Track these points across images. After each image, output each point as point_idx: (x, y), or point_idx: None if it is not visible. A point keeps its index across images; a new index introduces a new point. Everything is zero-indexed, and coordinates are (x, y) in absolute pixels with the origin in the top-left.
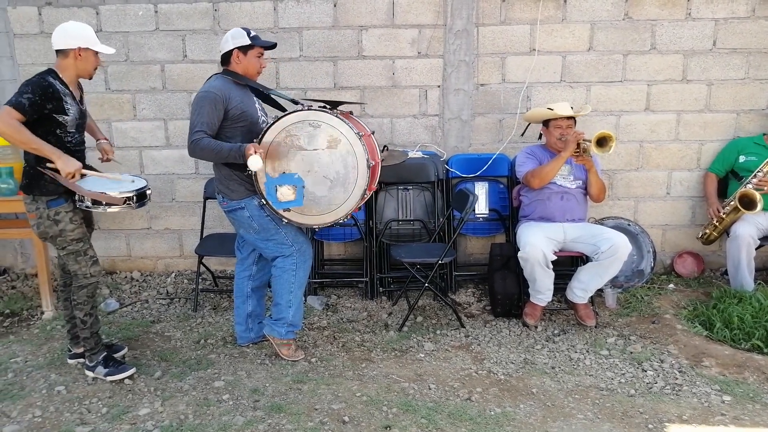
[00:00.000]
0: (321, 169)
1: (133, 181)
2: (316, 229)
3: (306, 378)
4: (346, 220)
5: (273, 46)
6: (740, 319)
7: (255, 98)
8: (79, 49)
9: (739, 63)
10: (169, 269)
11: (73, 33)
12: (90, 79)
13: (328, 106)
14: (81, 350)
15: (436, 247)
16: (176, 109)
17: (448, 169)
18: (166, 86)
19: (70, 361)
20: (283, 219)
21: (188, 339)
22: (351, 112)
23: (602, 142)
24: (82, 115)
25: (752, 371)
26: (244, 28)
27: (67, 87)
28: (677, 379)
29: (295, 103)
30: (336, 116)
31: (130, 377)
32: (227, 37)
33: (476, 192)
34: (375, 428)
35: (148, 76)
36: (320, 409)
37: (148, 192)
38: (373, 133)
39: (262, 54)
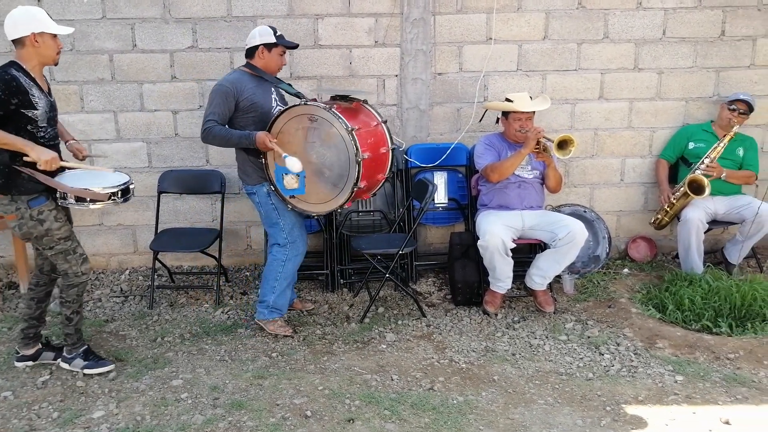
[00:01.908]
0: (318, 160)
1: (114, 171)
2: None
3: (267, 373)
4: (343, 209)
5: (295, 46)
6: (691, 300)
7: (273, 89)
8: (34, 35)
9: (687, 52)
10: (123, 266)
11: (24, 19)
12: (56, 64)
13: (320, 102)
14: (30, 352)
15: (397, 237)
16: (127, 101)
17: (407, 159)
18: (115, 77)
19: (17, 364)
20: (289, 205)
21: (144, 337)
22: (365, 101)
23: (563, 144)
24: (52, 107)
25: (702, 351)
26: (271, 27)
27: (32, 79)
28: (633, 361)
29: (299, 97)
30: (329, 111)
31: (107, 374)
32: (254, 33)
33: (435, 181)
34: (338, 421)
35: (96, 66)
36: (282, 405)
37: (132, 186)
38: (384, 122)
39: (284, 52)
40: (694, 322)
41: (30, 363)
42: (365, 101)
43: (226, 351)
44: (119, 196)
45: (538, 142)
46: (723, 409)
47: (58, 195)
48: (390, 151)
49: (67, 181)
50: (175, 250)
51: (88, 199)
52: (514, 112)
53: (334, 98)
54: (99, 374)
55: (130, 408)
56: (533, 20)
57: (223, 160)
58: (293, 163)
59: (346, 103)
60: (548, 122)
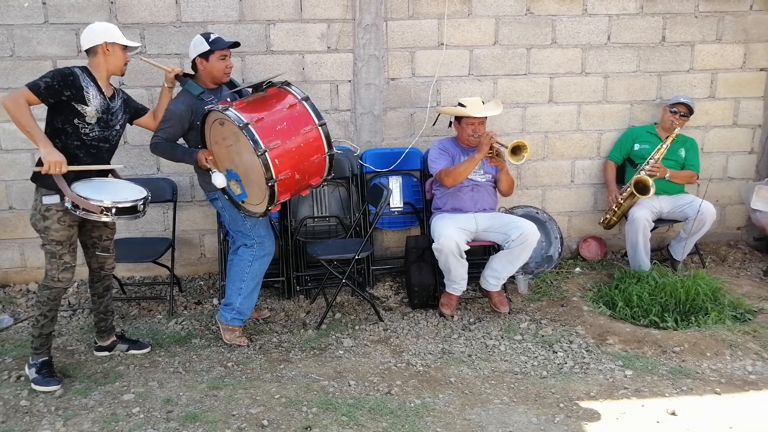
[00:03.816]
0: (242, 161)
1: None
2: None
3: (222, 383)
4: (280, 201)
5: (233, 45)
6: (639, 297)
7: (229, 99)
8: (106, 44)
9: (631, 57)
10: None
11: (99, 29)
12: (122, 75)
13: (217, 104)
14: (106, 343)
15: (353, 242)
16: None
17: (362, 164)
18: None
19: (96, 354)
20: (242, 211)
21: (93, 352)
22: (287, 83)
23: (516, 150)
24: (109, 111)
25: (650, 345)
26: (203, 34)
27: (95, 81)
28: (585, 358)
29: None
30: (224, 111)
31: (53, 393)
32: (190, 46)
33: (390, 186)
34: (295, 430)
35: (38, 72)
36: (238, 415)
37: (141, 206)
38: (306, 98)
39: (226, 56)
40: (643, 317)
41: (106, 353)
42: (285, 83)
43: (180, 362)
44: (113, 212)
45: (491, 147)
46: (670, 401)
47: (66, 198)
48: (318, 128)
49: (80, 187)
50: (126, 261)
51: (81, 207)
52: (467, 117)
53: (254, 91)
54: (44, 392)
55: (78, 426)
56: (484, 26)
57: (175, 168)
58: (217, 178)
59: (260, 93)
60: (500, 126)
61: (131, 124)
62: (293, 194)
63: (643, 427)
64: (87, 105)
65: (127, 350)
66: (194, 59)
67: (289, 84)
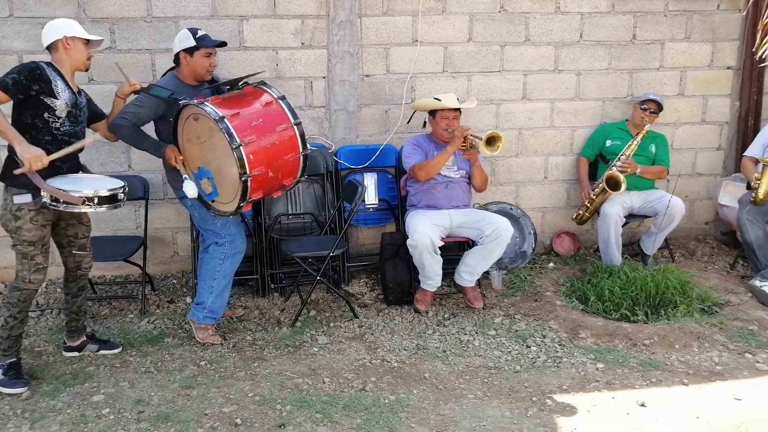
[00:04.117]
0: (214, 158)
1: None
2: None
3: (195, 383)
4: (252, 200)
5: (220, 44)
6: (611, 291)
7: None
8: (66, 38)
9: (603, 54)
10: None
11: (57, 25)
12: (86, 70)
13: (193, 99)
14: (76, 343)
15: (328, 239)
16: None
17: (336, 161)
18: None
19: (65, 354)
20: (212, 211)
21: (62, 353)
22: (263, 82)
23: (491, 141)
24: (77, 105)
25: (621, 338)
26: (191, 29)
27: (61, 75)
28: (557, 352)
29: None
30: (199, 105)
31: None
32: (175, 39)
33: (365, 183)
34: (269, 428)
35: (4, 67)
36: (211, 414)
37: (120, 195)
38: (283, 97)
39: (211, 54)
40: (614, 311)
41: (76, 353)
42: (261, 82)
43: (152, 362)
44: (95, 202)
45: (465, 140)
46: (639, 393)
47: (42, 193)
48: (294, 127)
49: (57, 182)
50: (96, 260)
51: (62, 201)
52: (442, 110)
53: (230, 89)
54: (10, 395)
55: (46, 428)
56: (458, 23)
57: (146, 165)
58: (188, 188)
59: (236, 91)
60: (474, 122)
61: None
62: (266, 193)
63: (613, 419)
64: (56, 98)
65: (98, 350)
66: (178, 53)
67: (265, 83)
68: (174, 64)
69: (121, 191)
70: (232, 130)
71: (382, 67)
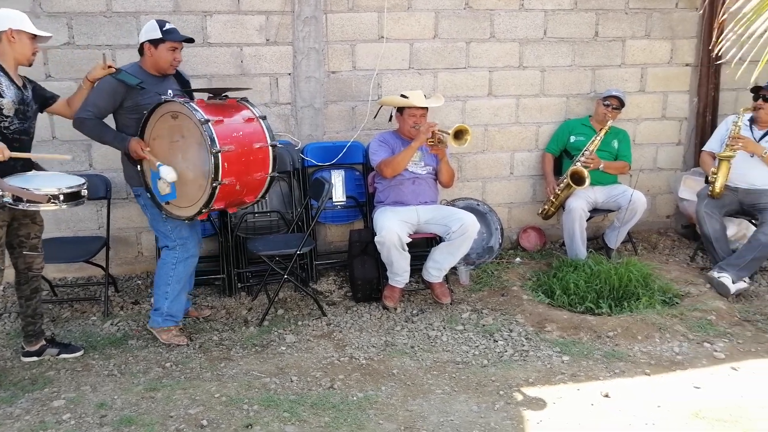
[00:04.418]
0: (184, 159)
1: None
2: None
3: (160, 385)
4: (210, 210)
5: (187, 40)
6: (576, 285)
7: (172, 91)
8: (11, 30)
9: (566, 51)
10: None
11: (2, 16)
12: (29, 65)
13: (179, 98)
14: (34, 348)
15: (295, 237)
16: None
17: (303, 158)
18: None
19: (23, 359)
20: (163, 213)
21: (21, 358)
22: (245, 99)
23: (459, 134)
24: (24, 102)
25: (586, 331)
26: (159, 21)
27: (5, 72)
28: (524, 345)
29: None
30: (185, 104)
31: None
32: (142, 29)
33: (333, 180)
34: (235, 428)
35: None
36: (176, 416)
37: (84, 191)
38: (263, 117)
39: (176, 48)
40: (579, 304)
41: (35, 358)
42: (244, 98)
43: (115, 365)
44: (60, 199)
45: (432, 135)
46: (603, 384)
47: (1, 193)
48: (269, 147)
49: (15, 180)
50: (57, 262)
51: (25, 200)
52: (409, 107)
53: (211, 97)
54: None
55: None
56: (423, 19)
57: (108, 163)
58: (167, 172)
59: (219, 100)
60: (441, 119)
61: (41, 112)
62: (226, 205)
63: (578, 411)
64: (2, 97)
65: (58, 354)
66: (143, 43)
67: (247, 100)
68: (140, 55)
69: (84, 188)
70: (215, 135)
71: (349, 64)
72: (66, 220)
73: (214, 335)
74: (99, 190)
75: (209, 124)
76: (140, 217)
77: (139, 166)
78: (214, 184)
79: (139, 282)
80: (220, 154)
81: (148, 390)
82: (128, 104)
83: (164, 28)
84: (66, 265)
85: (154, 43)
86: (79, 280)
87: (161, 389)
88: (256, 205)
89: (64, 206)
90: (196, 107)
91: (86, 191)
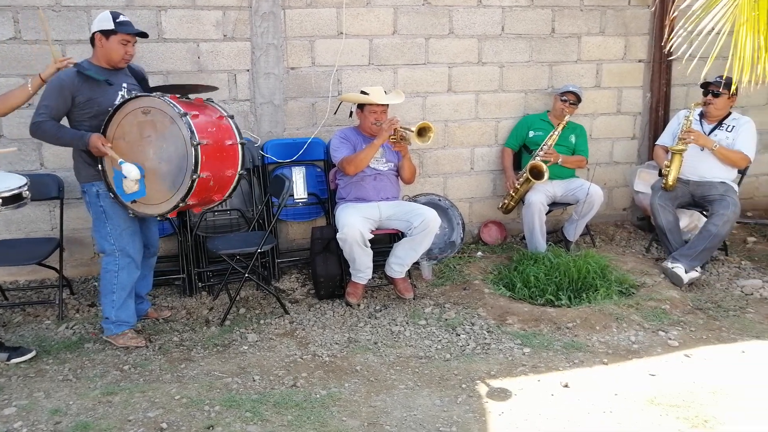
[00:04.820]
0: (157, 154)
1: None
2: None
3: (117, 388)
4: (188, 209)
5: (140, 34)
6: (536, 277)
7: (127, 84)
8: None
9: (524, 47)
10: None
11: None
12: None
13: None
14: None
15: (256, 235)
16: None
17: (263, 155)
18: None
19: None
20: (130, 212)
21: None
22: (210, 99)
23: (422, 132)
24: None
25: (546, 323)
26: (113, 12)
27: None
28: (486, 338)
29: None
30: (160, 98)
31: None
32: (95, 19)
33: (294, 177)
34: (196, 430)
35: None
36: (134, 420)
37: (26, 193)
38: (231, 116)
39: (129, 41)
40: (539, 297)
41: None
42: (209, 99)
43: (71, 369)
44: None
45: (395, 132)
46: (563, 374)
47: None
48: (238, 145)
49: None
50: (7, 264)
51: None
52: (370, 104)
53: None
54: None
55: None
56: (382, 15)
57: (61, 162)
58: (130, 170)
59: (187, 99)
60: (401, 115)
61: None
62: (198, 202)
63: (539, 401)
64: None
65: (8, 360)
66: (94, 33)
67: (213, 101)
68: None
69: (25, 189)
70: (194, 128)
71: (308, 60)
72: (17, 221)
73: (175, 336)
74: (51, 189)
75: (188, 116)
76: None
77: (100, 165)
78: (194, 177)
79: (96, 284)
80: (199, 147)
81: (105, 394)
82: (81, 99)
83: (117, 20)
84: (17, 268)
85: (106, 34)
86: (32, 284)
87: (119, 393)
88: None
89: (3, 210)
90: (172, 101)
91: (29, 192)
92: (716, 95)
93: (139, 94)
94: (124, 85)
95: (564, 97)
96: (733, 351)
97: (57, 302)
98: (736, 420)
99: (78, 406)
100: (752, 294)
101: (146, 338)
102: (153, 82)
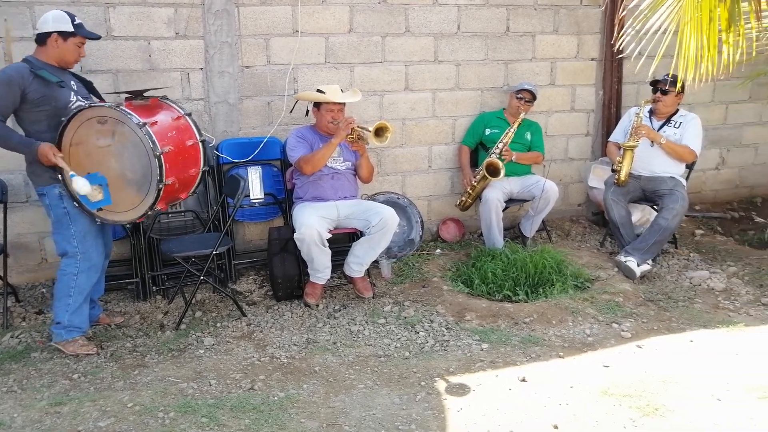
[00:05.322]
0: (119, 163)
1: None
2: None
3: (66, 398)
4: (155, 212)
5: (98, 38)
6: (493, 273)
7: (74, 82)
8: None
9: (479, 45)
10: None
11: None
12: None
13: (106, 102)
14: None
15: (211, 237)
16: None
17: (218, 155)
18: None
19: None
20: (97, 219)
21: None
22: (165, 97)
23: (380, 132)
24: None
25: (504, 318)
26: (68, 13)
27: None
28: (445, 335)
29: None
30: (116, 109)
31: None
32: (47, 17)
33: (250, 177)
34: None
35: None
36: (84, 430)
37: None
38: (189, 114)
39: (83, 44)
40: (497, 292)
41: None
42: (164, 97)
43: (16, 380)
44: None
45: (352, 131)
46: (521, 369)
47: None
48: (200, 143)
49: None
50: None
51: None
52: (326, 103)
53: (128, 98)
54: None
55: None
56: (338, 13)
57: (3, 164)
58: (81, 185)
59: (141, 101)
60: (359, 114)
61: None
62: (166, 204)
63: (497, 396)
64: None
65: None
66: (49, 33)
67: (168, 98)
68: (37, 45)
69: None
70: (155, 137)
71: (263, 58)
72: None
73: (128, 342)
74: None
75: (147, 126)
76: (43, 221)
77: (60, 176)
78: (160, 186)
79: (44, 290)
80: (162, 156)
81: (53, 405)
82: (33, 96)
83: (75, 22)
84: None
85: (64, 35)
86: None
87: (68, 403)
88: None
89: None
90: (129, 111)
91: None
92: (664, 92)
93: (93, 103)
94: (72, 83)
95: (519, 95)
96: (682, 340)
97: (1, 310)
98: (684, 407)
99: (23, 419)
100: (700, 285)
101: (97, 345)
102: (103, 81)
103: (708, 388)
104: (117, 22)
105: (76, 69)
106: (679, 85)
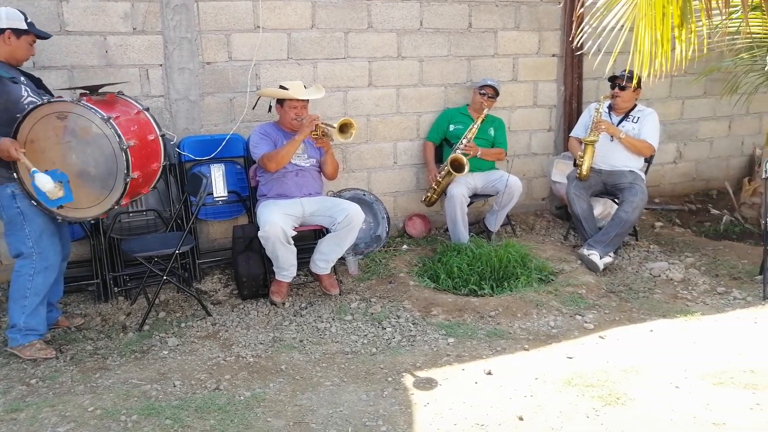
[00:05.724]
0: (80, 159)
1: None
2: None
3: (23, 404)
4: (119, 207)
5: (49, 37)
6: (459, 268)
7: (24, 79)
8: None
9: (442, 42)
10: None
11: None
12: None
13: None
14: None
15: (173, 236)
16: None
17: (180, 153)
18: None
19: None
20: (58, 217)
21: None
22: (120, 92)
23: (344, 128)
24: None
25: (470, 312)
26: (21, 11)
27: None
28: (411, 331)
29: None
30: (78, 104)
31: None
32: (0, 14)
33: (212, 174)
34: None
35: None
36: None
37: None
38: (146, 109)
39: (35, 42)
40: (463, 287)
41: None
42: (120, 92)
43: None
44: None
45: (316, 128)
46: (487, 362)
47: None
48: (159, 137)
49: None
50: None
51: None
52: (290, 99)
53: (83, 94)
54: None
55: None
56: (300, 9)
57: None
58: (44, 182)
59: (98, 96)
60: (322, 110)
61: None
62: (129, 199)
63: (463, 390)
64: None
65: None
66: (2, 30)
67: (123, 94)
68: None
69: None
70: (120, 132)
71: (224, 54)
72: None
73: (88, 344)
74: None
75: (111, 120)
76: None
77: (16, 174)
78: (127, 180)
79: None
80: (128, 150)
81: (9, 411)
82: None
83: (28, 21)
84: None
85: (17, 33)
86: None
87: (25, 409)
88: (130, 204)
89: None
90: (93, 105)
91: None
92: (622, 88)
93: (51, 99)
94: (23, 79)
95: (483, 91)
96: (642, 330)
97: None
98: (644, 395)
99: None
100: (659, 276)
101: (57, 349)
102: (57, 77)
103: (667, 377)
104: (71, 16)
105: (29, 63)
106: (635, 80)
